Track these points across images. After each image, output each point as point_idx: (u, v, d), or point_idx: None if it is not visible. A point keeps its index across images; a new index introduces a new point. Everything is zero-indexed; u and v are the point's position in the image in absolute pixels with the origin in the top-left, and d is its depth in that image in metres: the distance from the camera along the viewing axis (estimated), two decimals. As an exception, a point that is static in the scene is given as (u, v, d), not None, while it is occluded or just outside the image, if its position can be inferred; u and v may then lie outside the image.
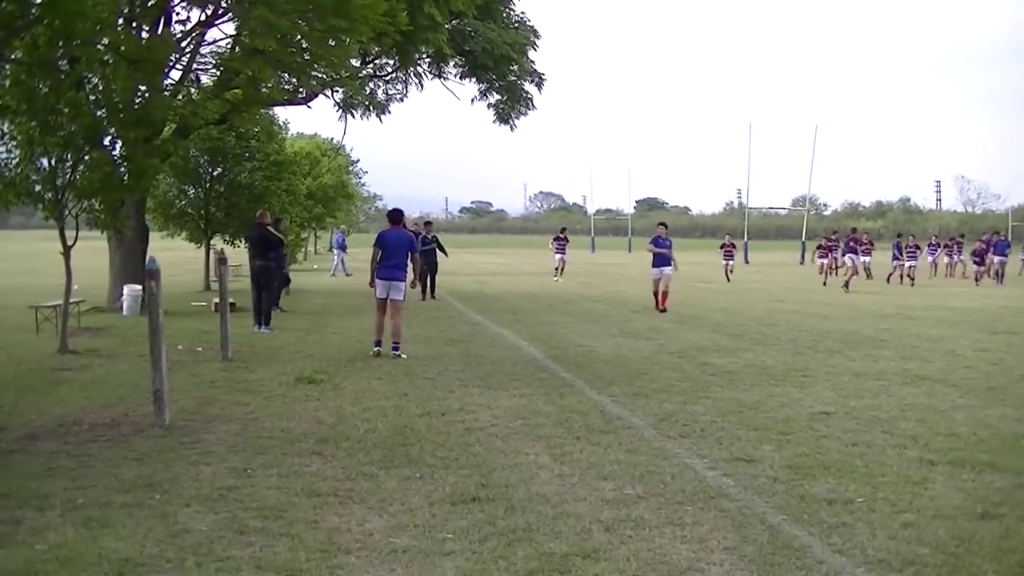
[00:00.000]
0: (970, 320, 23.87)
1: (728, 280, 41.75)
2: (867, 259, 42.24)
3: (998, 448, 9.69)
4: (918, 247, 42.99)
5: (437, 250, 30.58)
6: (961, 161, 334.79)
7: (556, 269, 42.96)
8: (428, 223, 33.48)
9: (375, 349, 16.15)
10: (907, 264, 41.69)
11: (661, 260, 25.93)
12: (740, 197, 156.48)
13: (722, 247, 46.00)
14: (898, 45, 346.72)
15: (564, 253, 43.64)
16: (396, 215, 17.40)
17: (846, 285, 34.88)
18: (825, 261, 42.70)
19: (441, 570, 6.17)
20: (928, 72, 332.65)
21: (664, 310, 24.90)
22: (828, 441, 9.95)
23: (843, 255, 38.37)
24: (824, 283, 38.42)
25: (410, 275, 16.93)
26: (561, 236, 44.62)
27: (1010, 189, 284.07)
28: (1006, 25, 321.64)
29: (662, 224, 27.61)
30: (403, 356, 15.94)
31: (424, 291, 28.76)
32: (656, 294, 25.79)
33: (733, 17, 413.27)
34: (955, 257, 49.74)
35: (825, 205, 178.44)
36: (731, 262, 45.14)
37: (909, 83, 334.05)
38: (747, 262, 67.98)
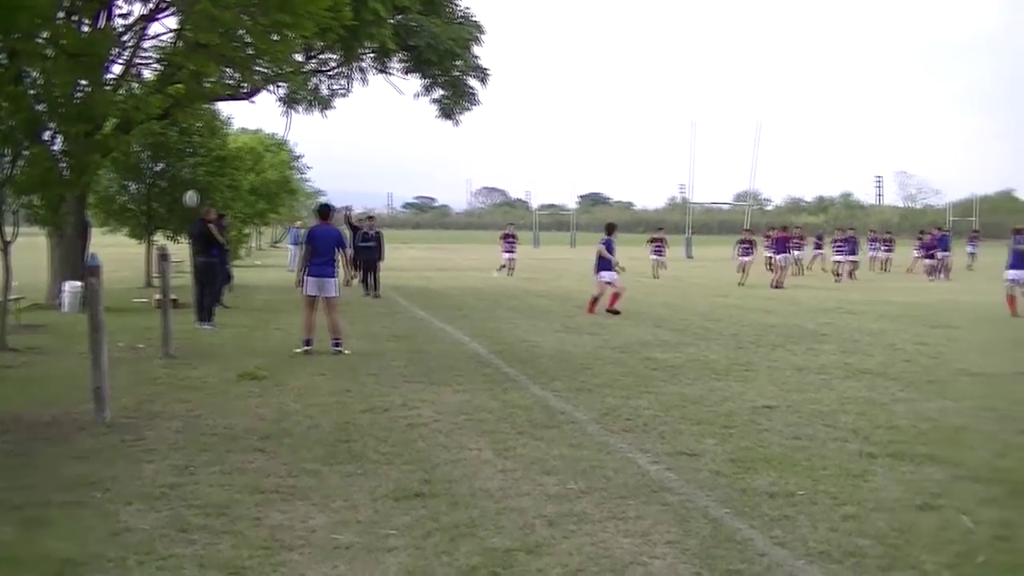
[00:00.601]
0: (910, 314, 24.11)
1: (655, 277, 40.65)
2: (798, 254, 42.26)
3: (937, 440, 9.83)
4: (846, 240, 42.91)
5: (380, 246, 30.48)
6: (902, 157, 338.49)
7: (502, 267, 41.63)
8: (370, 218, 33.13)
9: (304, 348, 16.04)
10: (849, 258, 42.02)
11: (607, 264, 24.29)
12: (683, 192, 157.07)
13: (651, 241, 44.58)
14: (839, 43, 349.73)
15: (513, 252, 42.32)
16: (324, 211, 17.48)
17: (779, 285, 34.75)
18: (747, 259, 37.87)
19: (384, 566, 6.19)
20: (869, 69, 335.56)
21: (616, 312, 23.38)
22: (770, 435, 10.06)
23: (777, 253, 37.74)
24: (740, 283, 35.81)
25: (342, 272, 16.97)
26: (510, 234, 43.15)
27: (950, 184, 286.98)
28: (945, 24, 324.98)
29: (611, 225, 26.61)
30: (346, 352, 15.92)
31: (367, 287, 28.79)
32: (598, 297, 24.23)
33: (677, 14, 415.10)
34: (885, 253, 50.03)
35: (768, 200, 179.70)
36: (661, 258, 43.28)
37: (850, 80, 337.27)
38: (690, 257, 68.25)
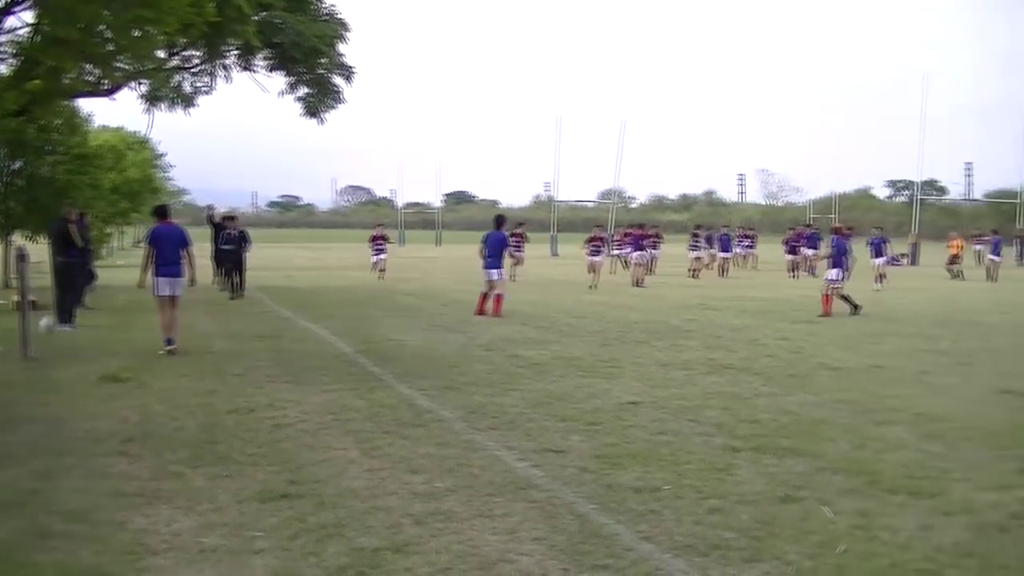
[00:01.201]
0: (772, 310, 24.63)
1: (512, 279, 37.31)
2: (655, 252, 42.59)
3: (798, 433, 10.09)
4: (697, 236, 43.38)
5: (243, 245, 29.69)
6: (764, 155, 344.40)
7: (379, 270, 38.66)
8: (232, 218, 32.06)
9: (167, 348, 15.88)
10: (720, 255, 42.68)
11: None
12: (548, 190, 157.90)
13: (512, 235, 42.26)
14: (701, 42, 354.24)
15: (384, 254, 39.56)
16: (163, 211, 17.36)
17: (640, 283, 35.02)
18: (596, 259, 35.25)
19: (251, 569, 6.17)
20: (731, 68, 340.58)
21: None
22: (635, 430, 10.20)
23: (634, 251, 37.78)
24: (592, 285, 33.53)
25: (187, 271, 16.81)
26: (379, 236, 40.15)
27: (811, 182, 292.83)
28: (802, 24, 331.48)
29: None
30: (175, 352, 15.89)
31: (233, 288, 28.18)
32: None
33: (542, 11, 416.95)
34: (744, 250, 50.72)
35: (632, 198, 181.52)
36: (520, 254, 39.66)
37: (712, 79, 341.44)
38: (555, 254, 68.64)
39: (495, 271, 23.17)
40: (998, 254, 43.50)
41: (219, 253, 29.22)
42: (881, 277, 34.41)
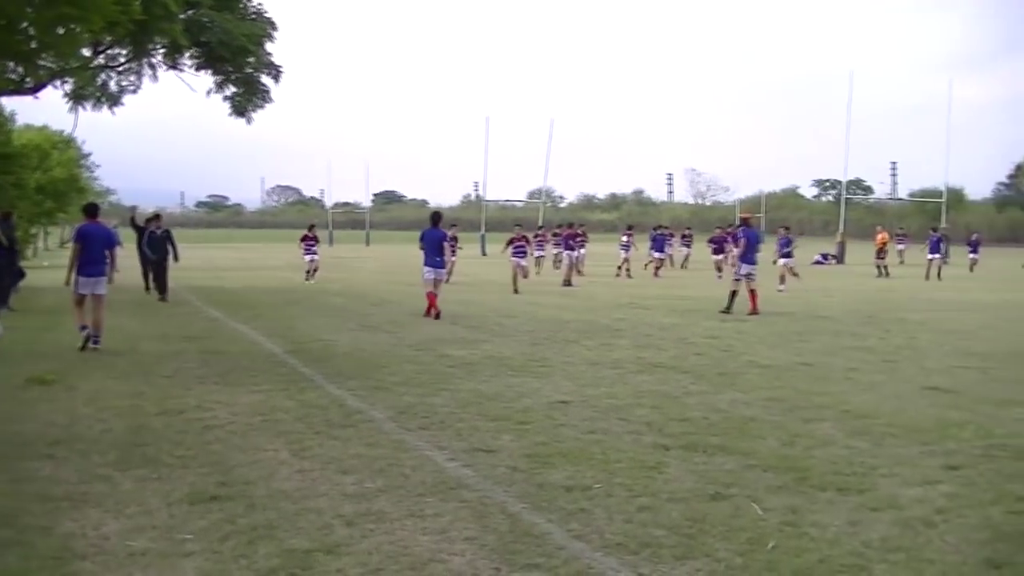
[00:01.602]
0: (701, 308, 24.79)
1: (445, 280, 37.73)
2: (581, 252, 42.56)
3: (728, 431, 10.16)
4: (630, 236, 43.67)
5: (169, 246, 28.24)
6: (692, 154, 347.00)
7: (308, 272, 37.29)
8: (155, 217, 30.61)
9: (83, 336, 15.95)
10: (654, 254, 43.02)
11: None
12: (477, 190, 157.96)
13: (509, 243, 39.47)
14: (630, 41, 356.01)
15: (316, 254, 38.09)
16: (92, 209, 17.41)
17: (568, 283, 35.12)
18: (522, 260, 33.47)
19: (181, 572, 6.11)
20: (660, 67, 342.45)
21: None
22: (566, 429, 10.21)
23: (564, 250, 37.66)
24: (515, 290, 31.36)
25: (108, 269, 16.93)
26: (310, 235, 38.69)
27: (739, 182, 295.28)
28: (730, 24, 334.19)
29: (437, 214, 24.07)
30: (99, 348, 16.06)
31: (159, 290, 27.40)
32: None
33: (469, 9, 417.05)
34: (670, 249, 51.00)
35: (561, 197, 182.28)
36: (453, 257, 36.76)
37: (640, 78, 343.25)
38: (484, 254, 68.72)
39: (439, 270, 22.56)
40: (938, 252, 43.72)
41: (143, 254, 28.56)
42: (783, 278, 34.09)
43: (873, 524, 7.06)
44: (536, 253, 40.21)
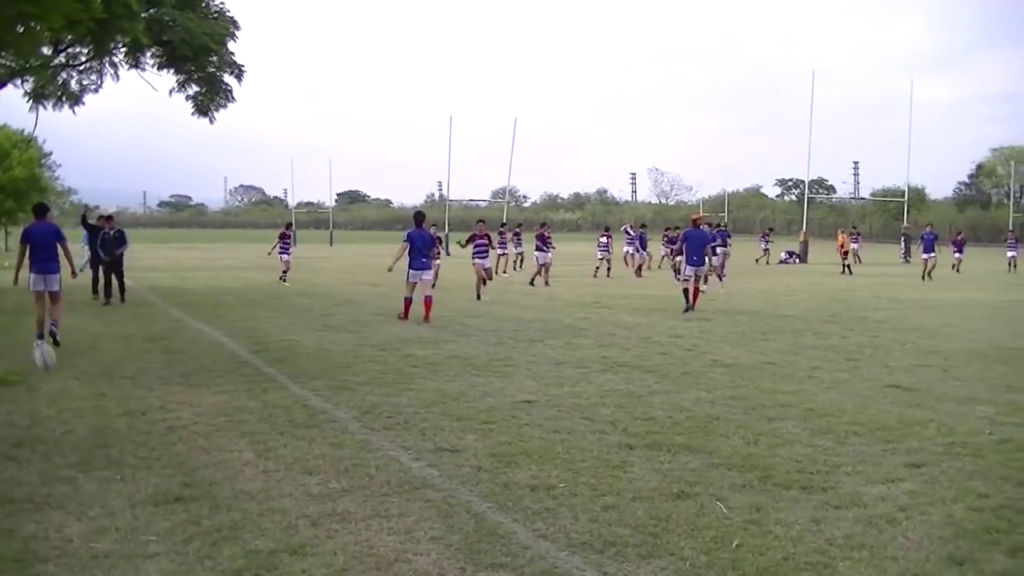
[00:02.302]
0: (664, 308, 24.83)
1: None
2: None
3: (692, 430, 10.20)
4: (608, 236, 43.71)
5: (120, 247, 26.42)
6: (656, 154, 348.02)
7: (283, 271, 36.26)
8: (108, 217, 28.38)
9: (38, 343, 15.76)
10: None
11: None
12: (441, 189, 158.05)
13: (470, 240, 39.51)
14: (594, 41, 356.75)
15: (289, 254, 37.24)
16: (40, 209, 17.58)
17: (534, 281, 34.81)
18: (485, 262, 30.00)
19: (144, 574, 6.09)
20: (624, 67, 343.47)
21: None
22: (530, 429, 10.23)
23: (536, 250, 37.29)
24: (478, 296, 28.60)
25: (67, 265, 17.37)
26: (287, 233, 38.04)
27: (703, 181, 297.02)
28: (694, 24, 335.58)
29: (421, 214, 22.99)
30: (58, 342, 16.21)
31: (108, 294, 25.91)
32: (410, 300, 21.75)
33: (433, 9, 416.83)
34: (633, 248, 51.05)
35: (525, 197, 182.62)
36: (485, 262, 35.54)
37: (604, 78, 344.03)
38: (448, 254, 68.70)
39: (426, 272, 21.94)
40: (932, 251, 44.03)
41: (96, 256, 27.32)
42: (706, 278, 33.49)
43: (836, 522, 7.11)
44: (498, 251, 39.75)
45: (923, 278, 41.40)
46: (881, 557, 6.41)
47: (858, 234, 60.48)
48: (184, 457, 9.01)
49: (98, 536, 6.74)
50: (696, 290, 24.36)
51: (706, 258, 25.46)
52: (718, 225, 40.49)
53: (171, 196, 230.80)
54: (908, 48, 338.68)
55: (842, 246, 48.79)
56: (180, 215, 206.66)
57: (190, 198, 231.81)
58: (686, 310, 23.63)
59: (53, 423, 10.48)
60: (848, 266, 47.01)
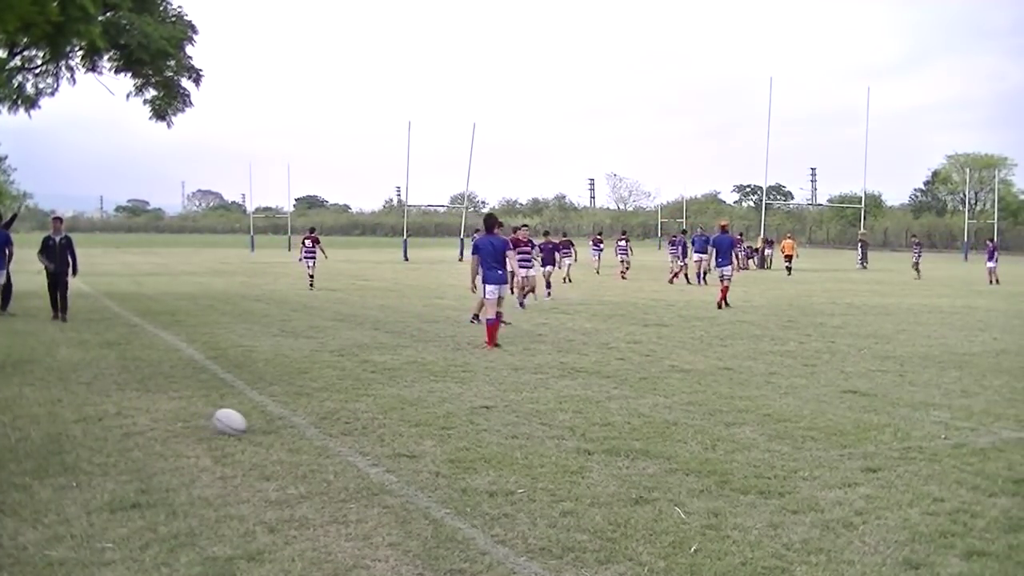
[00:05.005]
0: (622, 314, 24.93)
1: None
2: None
3: (650, 436, 10.23)
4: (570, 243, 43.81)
5: (69, 256, 23.16)
6: (614, 160, 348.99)
7: (311, 277, 35.15)
8: (57, 219, 24.59)
9: None
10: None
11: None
12: (399, 195, 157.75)
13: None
14: (552, 46, 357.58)
15: (314, 257, 35.92)
16: None
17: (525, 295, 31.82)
18: (528, 271, 26.81)
19: (101, 581, 6.05)
20: (583, 72, 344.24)
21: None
22: (489, 434, 10.24)
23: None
24: (521, 304, 26.85)
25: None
26: (311, 237, 36.63)
27: (661, 187, 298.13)
28: (652, 30, 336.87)
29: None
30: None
31: (56, 307, 22.93)
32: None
33: (391, 14, 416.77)
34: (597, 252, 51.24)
35: (483, 202, 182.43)
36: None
37: (565, 82, 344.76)
38: (406, 259, 68.67)
39: (505, 285, 18.94)
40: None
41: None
42: (705, 274, 32.92)
43: (794, 526, 7.14)
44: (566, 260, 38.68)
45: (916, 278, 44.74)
46: (838, 561, 6.45)
47: (791, 238, 60.46)
48: (141, 463, 8.95)
49: (53, 543, 6.68)
50: (725, 288, 26.54)
51: (732, 258, 28.48)
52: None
53: (128, 201, 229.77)
54: (866, 56, 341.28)
55: (789, 253, 52.87)
56: (137, 220, 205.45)
57: (147, 203, 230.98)
58: (720, 307, 26.39)
59: (7, 429, 10.37)
60: (789, 268, 51.29)
